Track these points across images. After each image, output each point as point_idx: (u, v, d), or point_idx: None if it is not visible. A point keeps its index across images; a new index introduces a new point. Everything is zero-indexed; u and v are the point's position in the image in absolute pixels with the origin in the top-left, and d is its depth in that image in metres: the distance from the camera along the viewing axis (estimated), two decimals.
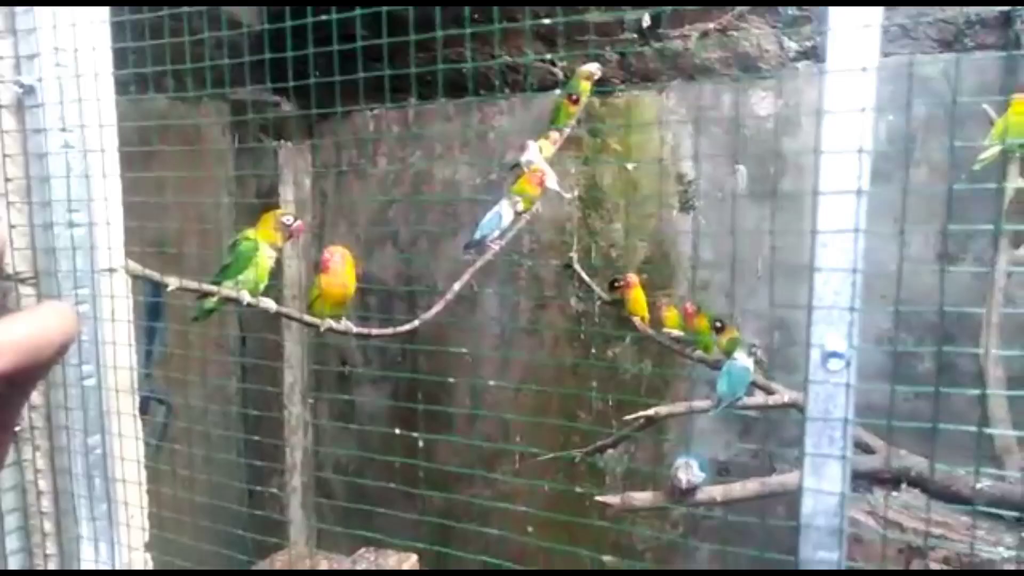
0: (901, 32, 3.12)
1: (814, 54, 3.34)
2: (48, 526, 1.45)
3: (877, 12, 0.86)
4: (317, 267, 2.38)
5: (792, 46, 3.38)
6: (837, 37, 0.87)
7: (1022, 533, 2.00)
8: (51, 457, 1.47)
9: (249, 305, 2.17)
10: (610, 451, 3.77)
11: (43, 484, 1.47)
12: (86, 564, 1.42)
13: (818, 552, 0.90)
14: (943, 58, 3.04)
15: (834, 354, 0.89)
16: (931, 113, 3.02)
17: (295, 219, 2.21)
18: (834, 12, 0.87)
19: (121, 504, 1.46)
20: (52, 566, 1.46)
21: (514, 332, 4.10)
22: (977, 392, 2.21)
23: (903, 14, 3.10)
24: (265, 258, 2.11)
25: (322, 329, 2.39)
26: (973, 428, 0.98)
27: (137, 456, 1.48)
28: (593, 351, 3.91)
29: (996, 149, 2.43)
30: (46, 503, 1.47)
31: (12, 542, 1.46)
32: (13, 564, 1.46)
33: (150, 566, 1.56)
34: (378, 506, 2.71)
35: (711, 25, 3.52)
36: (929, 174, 3.05)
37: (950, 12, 3.05)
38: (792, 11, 3.33)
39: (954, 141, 2.52)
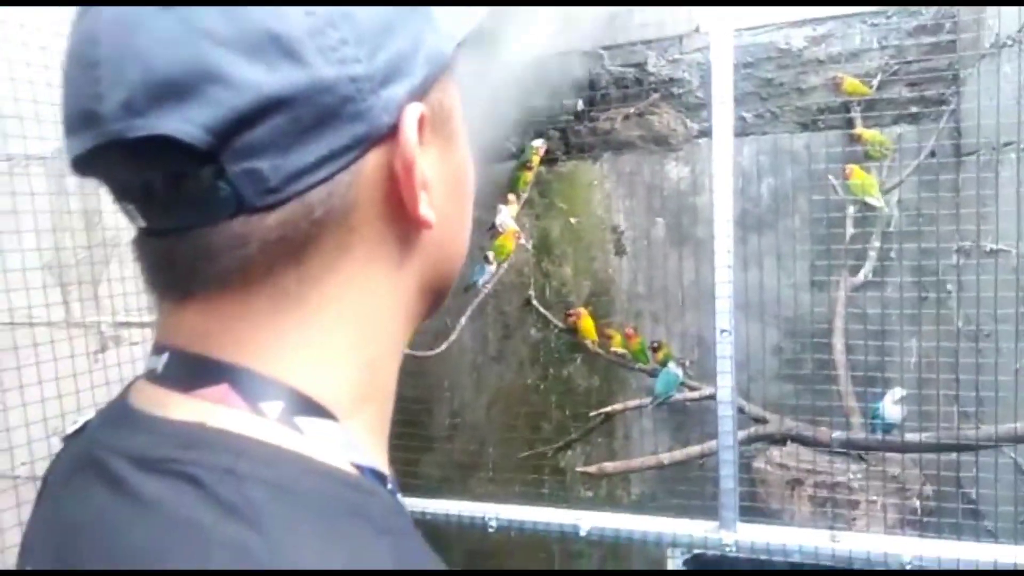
0: (772, 117, 4.18)
1: (709, 132, 4.35)
2: None
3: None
4: None
5: (694, 126, 4.40)
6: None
7: (862, 464, 2.97)
8: None
9: None
10: (569, 452, 4.65)
11: None
12: None
13: (726, 423, 1.81)
14: (803, 136, 4.10)
15: (724, 331, 1.81)
16: (797, 177, 4.06)
17: None
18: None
19: None
20: None
21: (484, 359, 4.95)
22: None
23: (771, 104, 4.15)
24: None
25: None
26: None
27: None
28: (551, 371, 4.79)
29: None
30: None
31: None
32: None
33: None
34: None
35: (631, 110, 4.52)
36: (799, 221, 4.07)
37: (807, 101, 4.12)
38: (692, 100, 4.36)
39: (812, 198, 3.53)
